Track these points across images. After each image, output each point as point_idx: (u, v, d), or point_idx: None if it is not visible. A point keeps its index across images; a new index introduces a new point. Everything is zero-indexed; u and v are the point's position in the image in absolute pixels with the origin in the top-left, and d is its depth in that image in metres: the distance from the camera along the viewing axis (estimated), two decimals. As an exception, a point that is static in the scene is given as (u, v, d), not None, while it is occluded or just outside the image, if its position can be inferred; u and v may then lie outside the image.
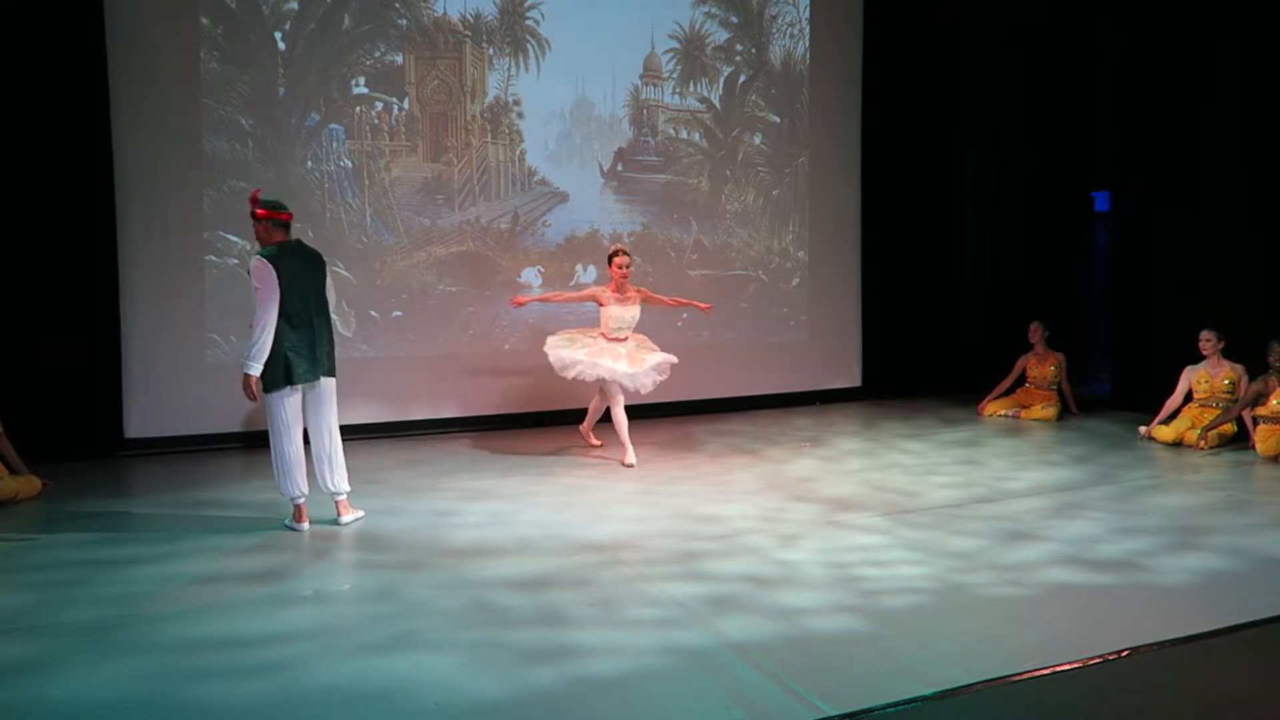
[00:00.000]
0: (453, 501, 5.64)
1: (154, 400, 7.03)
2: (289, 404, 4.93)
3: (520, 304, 7.05)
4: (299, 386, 4.93)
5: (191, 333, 7.13)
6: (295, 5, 7.31)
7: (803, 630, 3.67)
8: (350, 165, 7.54)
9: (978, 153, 10.09)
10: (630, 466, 6.54)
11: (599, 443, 7.13)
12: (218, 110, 7.12)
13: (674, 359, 6.83)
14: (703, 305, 7.25)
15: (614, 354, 6.64)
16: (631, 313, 6.81)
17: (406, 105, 7.70)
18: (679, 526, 5.09)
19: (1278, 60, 7.50)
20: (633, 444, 6.68)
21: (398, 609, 3.90)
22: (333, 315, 5.20)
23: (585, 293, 6.92)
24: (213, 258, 7.16)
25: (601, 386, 6.77)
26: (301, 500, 5.04)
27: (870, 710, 3.01)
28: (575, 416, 8.25)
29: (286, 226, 5.01)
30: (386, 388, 7.69)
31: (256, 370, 4.81)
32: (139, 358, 6.99)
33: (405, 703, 3.09)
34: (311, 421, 5.06)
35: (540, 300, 7.13)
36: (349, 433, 7.47)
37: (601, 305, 6.77)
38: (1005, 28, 9.88)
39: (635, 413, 8.46)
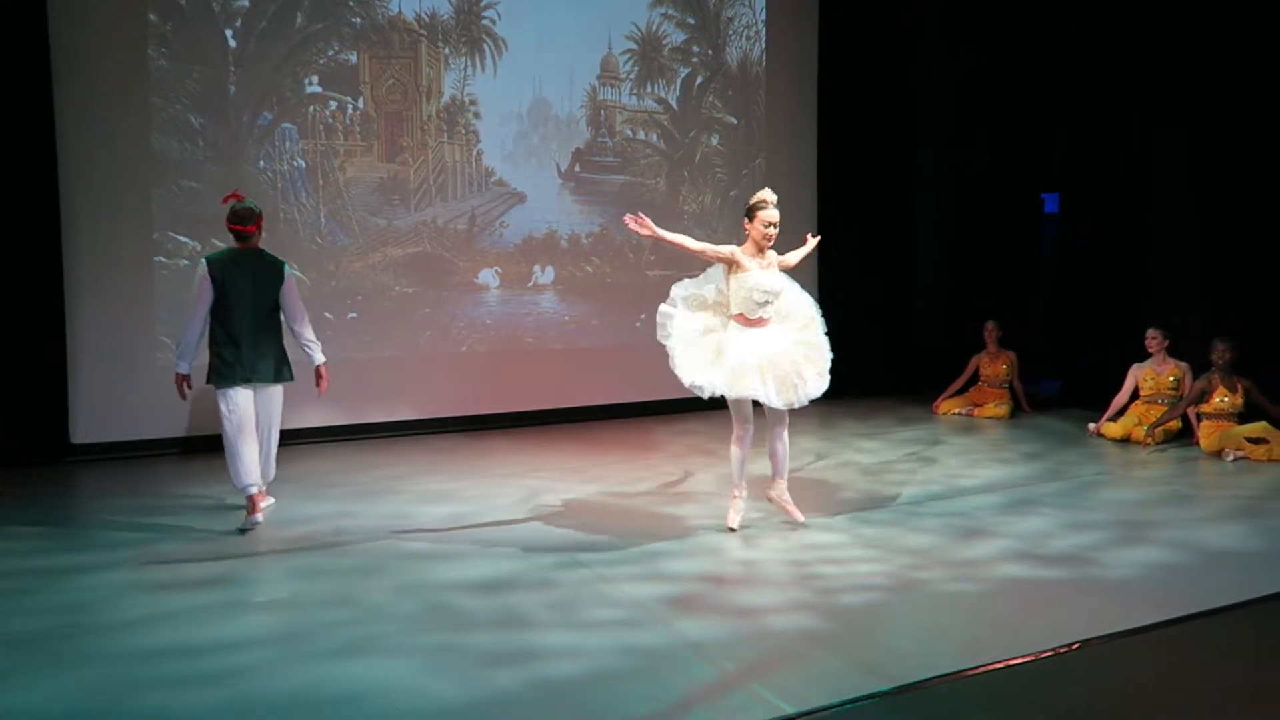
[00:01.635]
0: (411, 505, 5.60)
1: (102, 405, 6.88)
2: (230, 402, 5.11)
3: (643, 226, 4.85)
4: (237, 388, 5.11)
5: (140, 335, 6.99)
6: (246, 3, 7.19)
7: (761, 629, 3.70)
8: (304, 165, 7.45)
9: (932, 155, 10.23)
10: (802, 524, 5.00)
11: (801, 518, 5.01)
12: (167, 108, 6.99)
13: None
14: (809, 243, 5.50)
15: (758, 362, 4.76)
16: (778, 280, 4.91)
17: (361, 105, 7.62)
18: (638, 527, 5.10)
19: (1224, 66, 7.70)
20: (590, 447, 6.54)
21: (355, 614, 3.86)
22: (297, 326, 5.36)
23: (719, 249, 4.89)
24: (162, 258, 7.03)
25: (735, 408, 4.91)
26: (253, 490, 5.13)
27: (828, 707, 3.05)
28: (534, 418, 8.25)
29: (241, 236, 5.19)
30: (342, 390, 7.55)
31: (182, 369, 5.14)
32: (85, 361, 6.83)
33: (364, 709, 3.06)
34: (260, 420, 5.27)
35: (666, 240, 4.90)
36: (305, 436, 7.43)
37: (732, 271, 4.87)
38: (959, 32, 10.03)
39: (591, 414, 8.49)
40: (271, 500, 5.47)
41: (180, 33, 7.01)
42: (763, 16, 9.26)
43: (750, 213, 4.95)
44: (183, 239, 7.07)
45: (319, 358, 5.42)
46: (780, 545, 4.72)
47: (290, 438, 7.36)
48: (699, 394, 4.75)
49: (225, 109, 7.17)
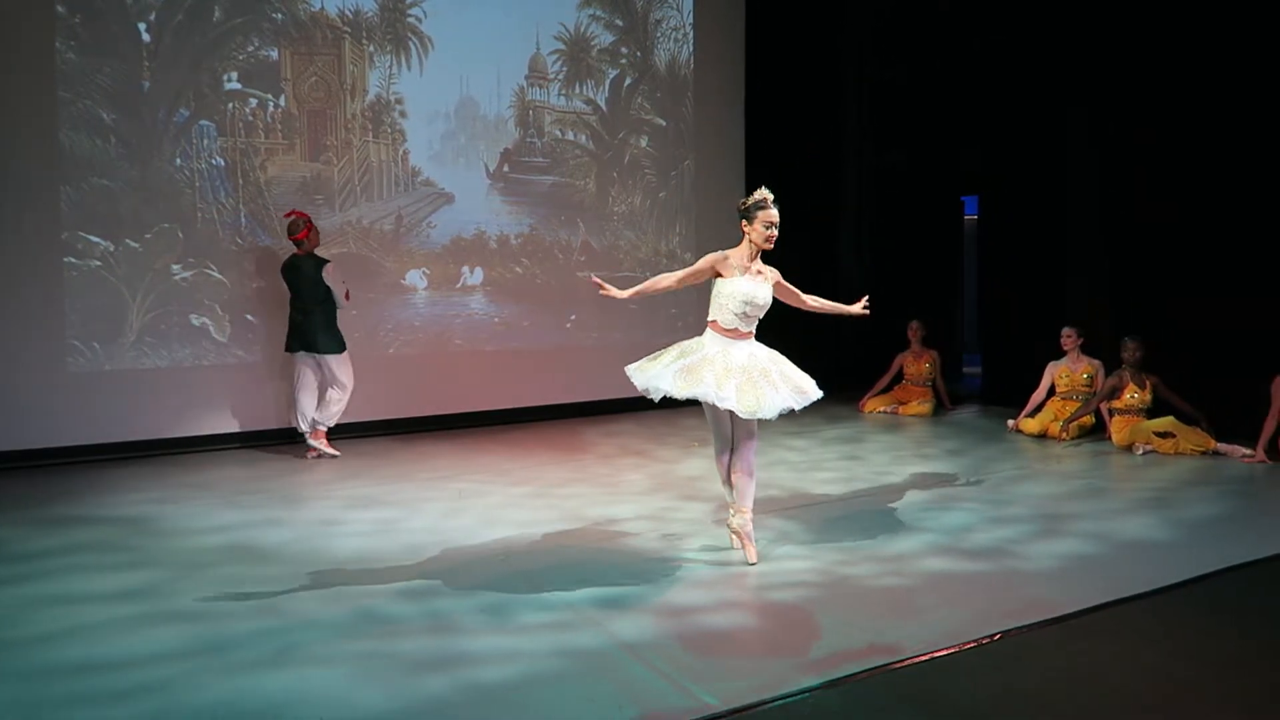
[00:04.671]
0: (337, 510, 5.49)
1: (9, 411, 6.58)
2: (296, 364, 6.96)
3: (606, 294, 4.47)
4: (297, 353, 6.94)
5: (50, 339, 6.71)
6: (161, -5, 6.98)
7: (693, 627, 3.72)
8: (223, 163, 7.25)
9: (857, 157, 10.43)
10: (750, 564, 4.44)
11: (754, 560, 4.45)
12: (76, 103, 6.73)
13: (816, 392, 4.48)
14: (857, 310, 5.15)
15: (725, 365, 4.28)
16: (764, 292, 4.45)
17: (283, 102, 7.45)
18: (570, 529, 5.08)
19: (1132, 79, 8.01)
20: (521, 449, 6.52)
21: (280, 623, 3.76)
22: (343, 305, 6.93)
23: (696, 267, 4.48)
24: (73, 259, 6.77)
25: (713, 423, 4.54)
26: (304, 431, 6.93)
27: (760, 703, 3.07)
28: (464, 420, 8.16)
29: (296, 244, 6.85)
30: (264, 394, 7.42)
31: None
32: (-9, 366, 6.55)
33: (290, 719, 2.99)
34: (322, 379, 6.97)
35: (635, 295, 4.50)
36: (225, 442, 7.24)
37: (719, 275, 4.46)
38: (885, 37, 10.23)
39: (521, 416, 8.44)
40: (335, 453, 6.94)
41: (90, 25, 6.76)
42: (690, 20, 9.32)
43: (749, 214, 4.42)
44: (94, 239, 6.82)
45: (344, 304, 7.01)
46: (710, 544, 4.75)
47: (209, 443, 7.18)
48: (648, 396, 4.33)
49: (139, 105, 6.93)
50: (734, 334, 4.41)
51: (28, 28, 6.57)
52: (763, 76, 9.70)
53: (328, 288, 6.83)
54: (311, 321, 6.82)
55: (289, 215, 6.95)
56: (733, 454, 4.50)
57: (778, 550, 4.67)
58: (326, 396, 6.94)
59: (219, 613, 3.89)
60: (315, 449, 6.90)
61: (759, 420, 4.34)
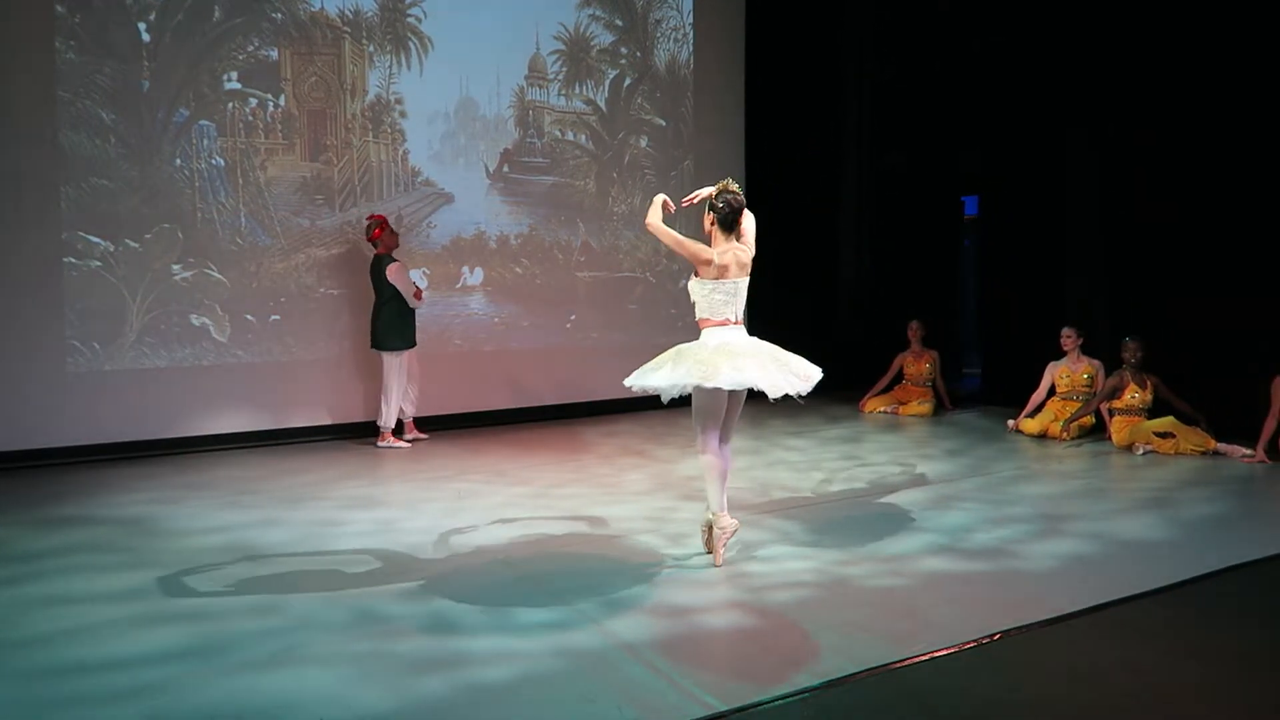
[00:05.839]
0: (337, 510, 5.49)
1: (9, 411, 6.59)
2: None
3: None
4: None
5: (49, 339, 6.71)
6: (161, -5, 6.98)
7: (693, 627, 3.72)
8: (223, 163, 7.24)
9: (856, 158, 10.42)
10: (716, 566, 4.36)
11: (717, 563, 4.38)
12: (75, 103, 6.73)
13: (815, 375, 4.67)
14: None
15: (683, 355, 4.43)
16: (725, 284, 4.52)
17: (283, 102, 7.45)
18: (570, 529, 5.08)
19: (1132, 76, 8.01)
20: (520, 449, 6.51)
21: (279, 623, 3.76)
22: (414, 304, 7.23)
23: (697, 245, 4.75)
24: (73, 259, 6.76)
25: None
26: (383, 428, 7.30)
27: (759, 704, 3.07)
28: (462, 420, 8.16)
29: (371, 244, 7.26)
30: (263, 394, 7.42)
31: None
32: (-10, 366, 6.55)
33: (289, 720, 2.99)
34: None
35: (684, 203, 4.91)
36: (224, 442, 7.24)
37: (698, 270, 4.60)
38: (882, 38, 10.23)
39: (520, 416, 8.44)
40: (423, 437, 7.54)
41: (89, 25, 6.76)
42: (690, 19, 9.32)
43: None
44: (94, 239, 6.82)
45: (414, 303, 7.31)
46: (711, 544, 4.75)
47: (209, 443, 7.18)
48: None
49: (138, 105, 6.93)
50: (717, 323, 4.85)
51: (28, 28, 6.57)
52: (763, 76, 9.70)
53: (395, 287, 7.11)
54: (379, 319, 7.20)
55: (368, 219, 7.30)
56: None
57: (777, 550, 4.66)
58: (403, 391, 7.37)
59: (219, 613, 3.89)
60: (382, 439, 7.30)
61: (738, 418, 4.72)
